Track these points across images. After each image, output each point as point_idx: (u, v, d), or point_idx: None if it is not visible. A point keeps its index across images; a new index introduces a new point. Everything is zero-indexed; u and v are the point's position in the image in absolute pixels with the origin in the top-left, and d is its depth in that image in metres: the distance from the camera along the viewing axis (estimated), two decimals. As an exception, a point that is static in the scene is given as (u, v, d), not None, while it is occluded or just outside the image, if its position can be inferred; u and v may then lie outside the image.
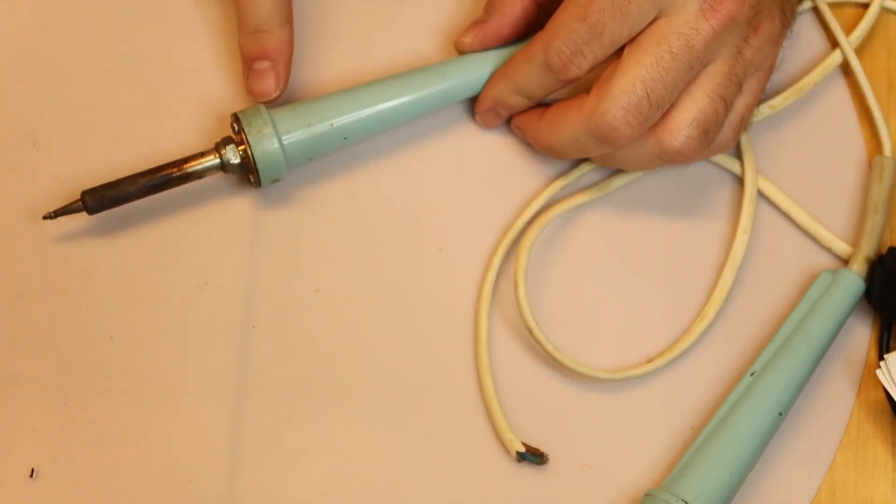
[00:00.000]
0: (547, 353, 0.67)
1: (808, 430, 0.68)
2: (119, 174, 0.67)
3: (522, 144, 0.71)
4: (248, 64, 0.68)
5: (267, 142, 0.66)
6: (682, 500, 0.64)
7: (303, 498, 0.66)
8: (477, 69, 0.69)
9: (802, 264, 0.70)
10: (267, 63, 0.68)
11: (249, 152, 0.66)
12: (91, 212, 0.66)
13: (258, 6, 0.67)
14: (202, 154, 0.67)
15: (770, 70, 0.67)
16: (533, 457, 0.66)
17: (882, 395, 0.68)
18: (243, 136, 0.66)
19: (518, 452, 0.66)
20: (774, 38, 0.66)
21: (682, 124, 0.65)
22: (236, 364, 0.67)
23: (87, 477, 0.65)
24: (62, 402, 0.66)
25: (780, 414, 0.66)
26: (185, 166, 0.67)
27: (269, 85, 0.68)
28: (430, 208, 0.70)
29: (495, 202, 0.70)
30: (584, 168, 0.70)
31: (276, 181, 0.68)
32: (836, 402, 0.68)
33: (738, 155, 0.71)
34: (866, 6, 0.74)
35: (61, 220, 0.67)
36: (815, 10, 0.74)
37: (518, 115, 0.70)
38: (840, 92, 0.73)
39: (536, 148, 0.69)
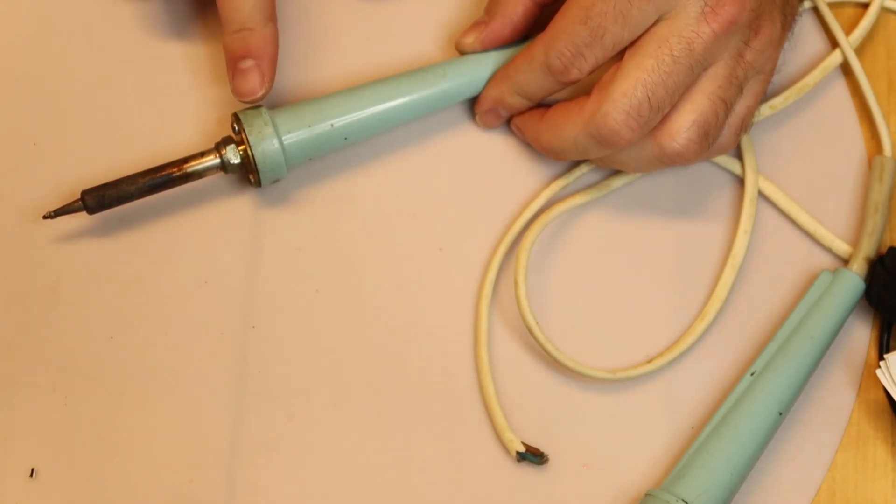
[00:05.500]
0: (547, 353, 0.67)
1: (808, 430, 0.68)
2: (119, 174, 0.67)
3: (522, 145, 0.71)
4: (233, 64, 0.67)
5: (267, 142, 0.66)
6: (683, 500, 0.64)
7: (303, 498, 0.66)
8: (477, 70, 0.69)
9: (802, 264, 0.71)
10: (251, 62, 0.66)
11: (250, 152, 0.66)
12: (91, 211, 0.66)
13: (241, 5, 0.66)
14: (202, 154, 0.67)
15: (771, 73, 0.67)
16: (533, 457, 0.66)
17: (882, 395, 0.68)
18: (244, 136, 0.66)
19: (518, 452, 0.66)
20: (775, 41, 0.66)
21: (683, 127, 0.65)
22: (236, 364, 0.67)
23: (87, 477, 0.65)
24: (62, 402, 0.66)
25: (780, 414, 0.66)
26: (186, 166, 0.67)
27: (253, 83, 0.66)
28: (430, 208, 0.70)
29: (495, 202, 0.70)
30: (584, 168, 0.70)
31: (276, 181, 0.68)
32: (836, 402, 0.69)
33: (739, 155, 0.71)
34: (866, 6, 0.74)
35: (61, 219, 0.67)
36: (815, 10, 0.74)
37: (518, 116, 0.70)
38: (840, 92, 0.73)
39: (536, 149, 0.69)
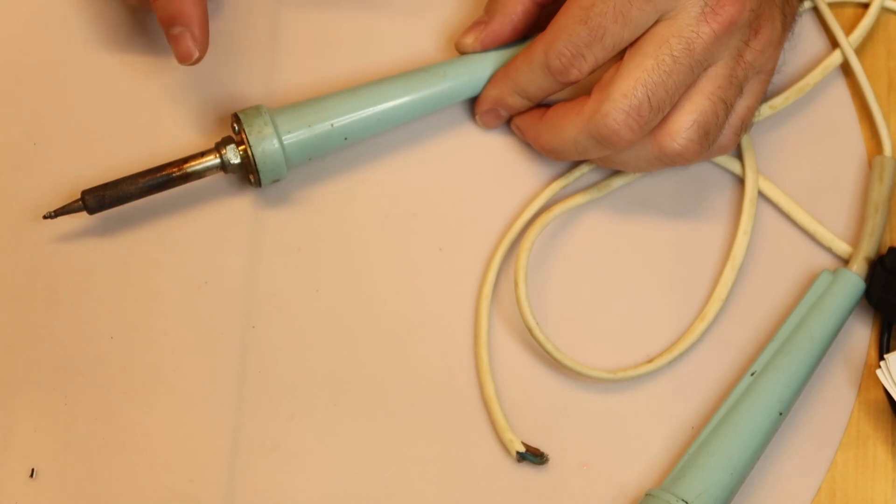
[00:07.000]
0: (547, 353, 0.67)
1: (808, 430, 0.68)
2: (119, 174, 0.67)
3: (522, 145, 0.71)
4: (166, 31, 0.66)
5: (267, 142, 0.66)
6: (683, 500, 0.64)
7: (303, 498, 0.66)
8: (477, 70, 0.69)
9: (802, 264, 0.71)
10: (180, 27, 0.65)
11: (250, 152, 0.66)
12: (91, 212, 0.66)
13: None
14: (202, 154, 0.67)
15: (771, 73, 0.67)
16: (533, 457, 0.66)
17: (882, 395, 0.68)
18: (244, 136, 0.66)
19: (518, 452, 0.66)
20: (775, 40, 0.66)
21: (683, 127, 0.65)
22: (236, 364, 0.67)
23: (87, 477, 0.65)
24: (62, 402, 0.66)
25: (781, 414, 0.66)
26: (186, 166, 0.67)
27: (186, 48, 0.65)
28: (430, 208, 0.70)
29: (495, 202, 0.70)
30: (584, 168, 0.70)
31: (276, 181, 0.68)
32: (836, 402, 0.69)
33: (739, 155, 0.71)
34: (866, 6, 0.74)
35: (61, 220, 0.67)
36: (815, 10, 0.74)
37: (518, 116, 0.70)
38: (840, 92, 0.73)
39: (536, 149, 0.69)
